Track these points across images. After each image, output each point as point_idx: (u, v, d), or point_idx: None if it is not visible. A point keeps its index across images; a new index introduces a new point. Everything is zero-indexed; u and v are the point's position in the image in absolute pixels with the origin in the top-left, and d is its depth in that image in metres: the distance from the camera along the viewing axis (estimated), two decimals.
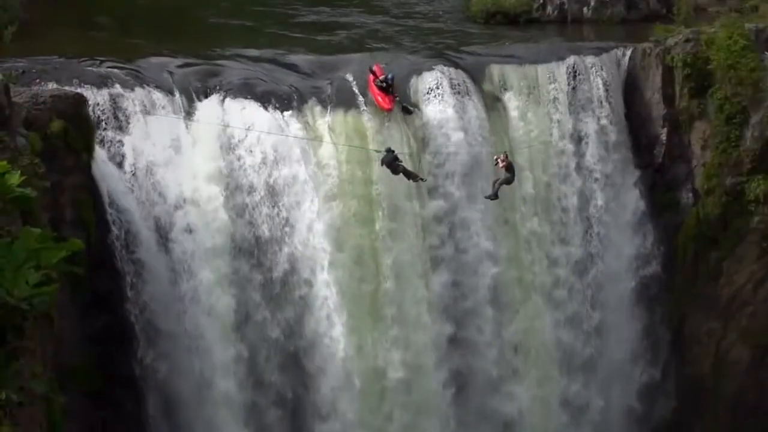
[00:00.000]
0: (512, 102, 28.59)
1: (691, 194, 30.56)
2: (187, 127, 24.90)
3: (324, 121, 26.26)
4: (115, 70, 25.53)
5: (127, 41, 30.18)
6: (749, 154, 29.57)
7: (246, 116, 25.42)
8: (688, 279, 30.86)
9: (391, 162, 25.39)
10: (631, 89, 30.23)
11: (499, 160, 26.51)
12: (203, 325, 25.09)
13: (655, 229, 30.52)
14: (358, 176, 26.38)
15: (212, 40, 30.69)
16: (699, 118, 30.02)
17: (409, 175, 25.77)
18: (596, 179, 29.49)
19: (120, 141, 23.96)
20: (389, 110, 26.53)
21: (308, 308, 26.11)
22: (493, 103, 28.49)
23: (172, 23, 33.72)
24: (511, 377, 29.29)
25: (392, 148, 25.56)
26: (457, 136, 27.25)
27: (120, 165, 23.85)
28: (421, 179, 26.14)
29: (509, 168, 26.47)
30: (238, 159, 25.32)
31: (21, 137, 20.59)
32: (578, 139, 29.19)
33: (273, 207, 25.54)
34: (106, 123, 23.91)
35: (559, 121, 28.88)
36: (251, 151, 25.30)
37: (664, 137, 30.26)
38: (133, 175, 23.99)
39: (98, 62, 26.01)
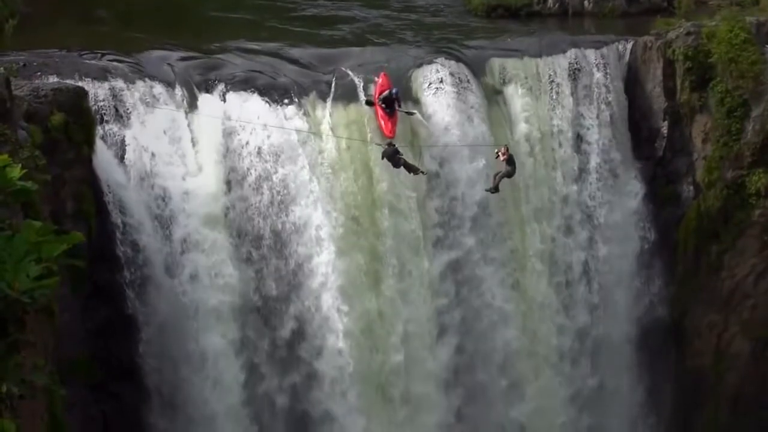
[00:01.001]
0: (513, 96, 28.48)
1: (692, 187, 30.57)
2: (192, 141, 24.44)
3: (326, 147, 25.64)
4: (116, 64, 25.49)
5: (128, 35, 30.13)
6: (750, 148, 29.59)
7: (247, 111, 25.09)
8: (689, 272, 30.89)
9: (392, 155, 25.30)
10: (632, 82, 30.22)
11: (500, 153, 26.32)
12: (209, 398, 24.74)
13: (663, 266, 30.65)
14: (365, 225, 25.99)
15: (213, 33, 30.66)
16: (700, 112, 30.02)
17: (410, 168, 25.66)
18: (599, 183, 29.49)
19: (121, 134, 23.90)
20: (391, 137, 25.92)
21: (318, 378, 25.75)
22: (493, 97, 28.41)
23: (173, 17, 33.68)
24: None
25: (393, 142, 25.49)
26: (457, 130, 27.02)
27: (121, 159, 23.79)
28: (422, 172, 25.99)
29: (510, 161, 26.36)
30: (244, 201, 24.82)
31: (22, 130, 20.60)
32: (579, 136, 29.13)
33: (281, 258, 25.07)
34: (106, 116, 23.85)
35: (560, 117, 28.81)
36: (257, 189, 24.78)
37: (665, 130, 30.27)
38: (139, 178, 23.73)
39: (99, 55, 25.96)
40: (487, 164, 26.95)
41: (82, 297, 22.75)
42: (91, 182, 23.03)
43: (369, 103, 26.09)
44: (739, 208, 30.18)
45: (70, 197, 22.49)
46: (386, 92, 25.95)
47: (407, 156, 25.73)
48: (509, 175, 26.46)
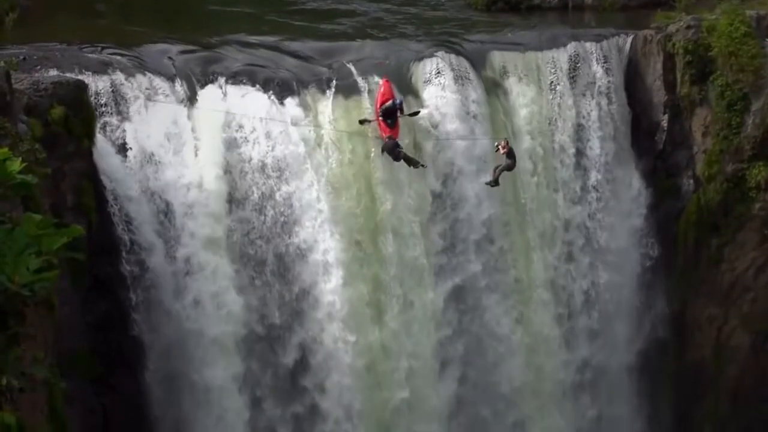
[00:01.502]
0: (513, 89, 28.35)
1: (692, 181, 30.57)
2: (195, 148, 24.14)
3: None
4: (116, 57, 25.44)
5: (128, 28, 30.12)
6: (750, 141, 29.60)
7: (248, 109, 24.73)
8: (689, 265, 30.91)
9: (392, 148, 25.28)
10: (632, 76, 30.20)
11: (500, 147, 26.37)
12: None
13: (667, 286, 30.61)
14: (369, 252, 25.58)
15: (213, 27, 30.61)
16: (700, 105, 30.02)
17: (410, 161, 25.64)
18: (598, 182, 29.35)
19: (121, 128, 23.82)
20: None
21: (321, 414, 25.46)
22: (494, 90, 28.31)
23: (172, 10, 33.67)
24: None
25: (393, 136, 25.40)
26: (456, 125, 26.79)
27: (121, 152, 23.72)
28: (422, 165, 25.95)
29: (510, 154, 26.38)
30: (246, 222, 24.43)
31: (22, 123, 20.60)
32: (579, 151, 29.01)
33: (285, 283, 24.73)
34: (107, 109, 23.79)
35: (560, 107, 28.73)
36: (259, 211, 24.43)
37: (665, 124, 30.27)
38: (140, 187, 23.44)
39: (99, 49, 25.91)
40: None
41: (82, 290, 22.74)
42: (91, 175, 23.01)
43: (365, 121, 25.54)
44: (739, 201, 30.20)
45: (70, 190, 22.45)
46: (388, 103, 25.30)
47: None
48: (509, 168, 26.51)
